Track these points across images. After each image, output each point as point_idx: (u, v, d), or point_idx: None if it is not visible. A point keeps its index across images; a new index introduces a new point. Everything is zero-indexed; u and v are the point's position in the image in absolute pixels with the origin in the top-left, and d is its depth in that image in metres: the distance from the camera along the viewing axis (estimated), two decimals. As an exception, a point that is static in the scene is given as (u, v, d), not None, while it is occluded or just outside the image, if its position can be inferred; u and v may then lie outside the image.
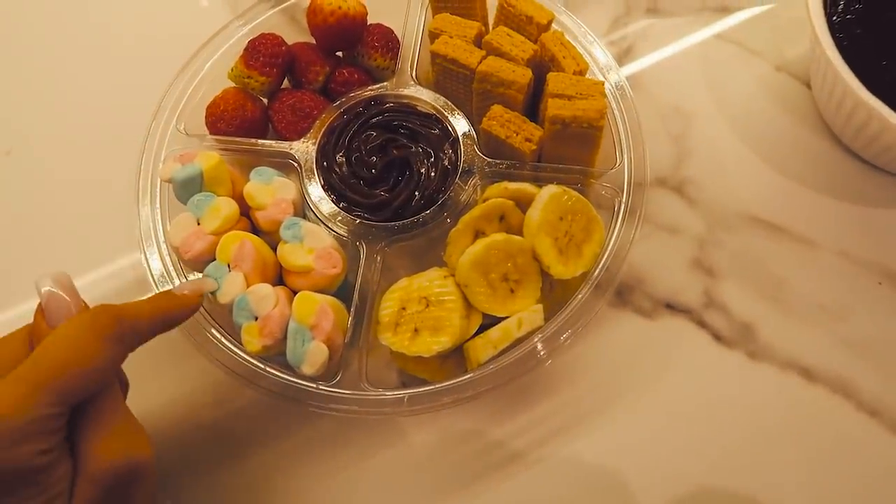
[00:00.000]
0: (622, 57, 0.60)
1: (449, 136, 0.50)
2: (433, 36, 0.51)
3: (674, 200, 0.54)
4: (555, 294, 0.48)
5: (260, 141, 0.51)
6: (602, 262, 0.46)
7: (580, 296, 0.45)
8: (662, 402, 0.48)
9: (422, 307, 0.45)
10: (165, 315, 0.39)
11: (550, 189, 0.46)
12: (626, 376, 0.49)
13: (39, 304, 0.36)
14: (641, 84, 0.59)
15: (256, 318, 0.44)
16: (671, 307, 0.51)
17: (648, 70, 0.59)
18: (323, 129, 0.50)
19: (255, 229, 0.49)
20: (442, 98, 0.51)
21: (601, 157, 0.50)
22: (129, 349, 0.37)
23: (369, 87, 0.52)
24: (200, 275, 0.45)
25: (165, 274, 0.47)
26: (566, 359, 0.49)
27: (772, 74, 0.58)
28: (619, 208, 0.47)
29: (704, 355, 0.49)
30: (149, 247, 0.48)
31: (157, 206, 0.49)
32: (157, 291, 0.46)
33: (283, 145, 0.50)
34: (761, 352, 0.49)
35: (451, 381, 0.43)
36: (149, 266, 0.47)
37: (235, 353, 0.45)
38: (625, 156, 0.49)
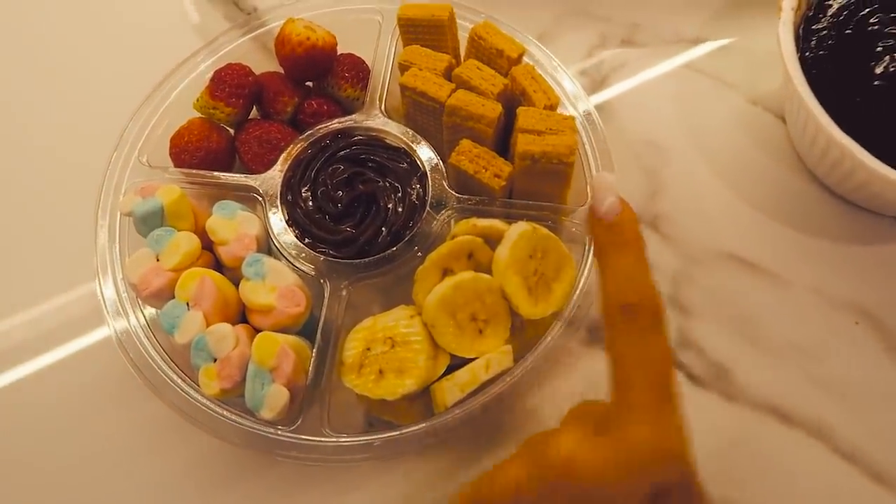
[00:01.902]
0: (597, 88, 0.59)
1: (417, 171, 0.49)
2: (403, 68, 0.51)
3: (647, 236, 0.52)
4: (525, 333, 0.47)
5: (223, 174, 0.49)
6: (574, 299, 0.45)
7: (550, 336, 0.44)
8: None
9: (387, 347, 0.44)
10: (644, 256, 0.32)
11: (520, 227, 0.45)
12: None
13: None
14: (615, 116, 0.58)
15: (215, 360, 0.42)
16: None
17: (622, 101, 0.59)
18: (289, 162, 0.49)
19: (218, 264, 0.48)
20: (410, 131, 0.50)
21: (572, 192, 0.49)
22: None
23: (336, 120, 0.51)
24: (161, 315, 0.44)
25: (119, 306, 0.46)
26: (536, 398, 0.48)
27: (746, 107, 0.58)
28: (591, 245, 0.46)
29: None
30: (105, 279, 0.46)
31: (116, 239, 0.48)
32: None
33: (246, 179, 0.49)
34: (737, 393, 0.48)
35: (417, 427, 0.42)
36: (103, 297, 0.46)
37: (193, 398, 0.43)
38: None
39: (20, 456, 0.48)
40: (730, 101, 0.58)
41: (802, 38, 0.50)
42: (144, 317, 0.46)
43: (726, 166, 0.56)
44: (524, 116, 0.47)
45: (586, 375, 0.48)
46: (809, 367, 0.48)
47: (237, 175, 0.49)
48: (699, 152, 0.56)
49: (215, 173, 0.50)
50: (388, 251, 0.46)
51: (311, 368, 0.44)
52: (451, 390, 0.43)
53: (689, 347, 0.49)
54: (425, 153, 0.49)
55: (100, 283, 0.46)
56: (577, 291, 0.45)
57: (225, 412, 0.43)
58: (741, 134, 0.57)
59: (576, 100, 0.51)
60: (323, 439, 0.41)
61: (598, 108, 0.55)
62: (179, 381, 0.43)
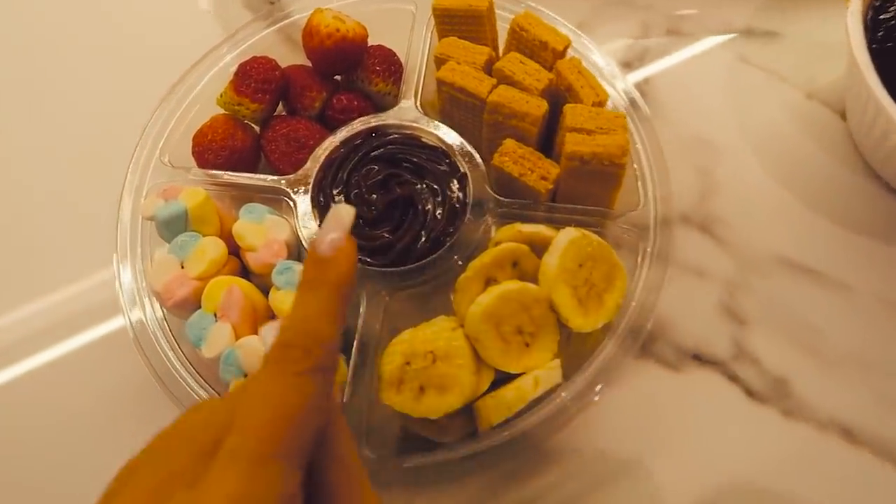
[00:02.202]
0: (640, 82, 0.56)
1: (457, 172, 0.46)
2: (439, 62, 0.48)
3: (699, 240, 0.50)
4: (572, 345, 0.44)
5: (250, 176, 0.46)
6: (627, 313, 0.42)
7: (604, 351, 0.41)
8: (689, 465, 0.44)
9: (428, 362, 0.41)
10: (337, 300, 0.29)
11: (569, 233, 0.42)
12: (649, 435, 0.44)
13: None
14: (661, 111, 0.55)
15: (246, 375, 0.40)
16: (698, 358, 0.46)
17: (668, 95, 0.55)
18: (319, 163, 0.46)
19: (245, 269, 0.45)
20: (451, 131, 0.47)
21: (621, 194, 0.46)
22: (328, 366, 0.28)
23: (370, 117, 0.48)
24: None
25: (144, 319, 0.43)
26: (582, 416, 0.45)
27: (802, 102, 0.54)
28: (645, 253, 0.43)
29: (735, 412, 0.45)
30: (125, 285, 0.44)
31: (139, 243, 0.45)
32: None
33: (275, 180, 0.46)
34: (797, 409, 0.45)
35: (463, 450, 0.39)
36: (127, 315, 0.43)
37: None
38: (649, 194, 0.45)
39: (36, 448, 0.46)
40: (784, 95, 0.55)
41: (871, 28, 0.47)
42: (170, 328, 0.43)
43: (782, 165, 0.52)
44: (572, 114, 0.44)
45: (637, 389, 0.45)
46: (876, 382, 0.45)
47: (265, 176, 0.46)
48: (753, 150, 0.53)
49: (241, 174, 0.47)
50: (428, 258, 0.43)
51: (348, 382, 0.41)
52: (497, 409, 0.40)
53: (746, 360, 0.46)
54: (465, 151, 0.46)
55: (121, 289, 0.44)
56: (633, 303, 0.42)
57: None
58: (797, 130, 0.53)
59: (626, 96, 0.48)
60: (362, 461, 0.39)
61: (645, 103, 0.52)
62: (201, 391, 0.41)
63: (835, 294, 0.48)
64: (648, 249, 0.43)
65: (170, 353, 0.43)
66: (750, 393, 0.45)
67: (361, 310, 0.42)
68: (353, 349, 0.42)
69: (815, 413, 0.45)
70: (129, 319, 0.43)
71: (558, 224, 0.44)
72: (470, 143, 0.47)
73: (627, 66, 0.56)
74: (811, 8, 0.58)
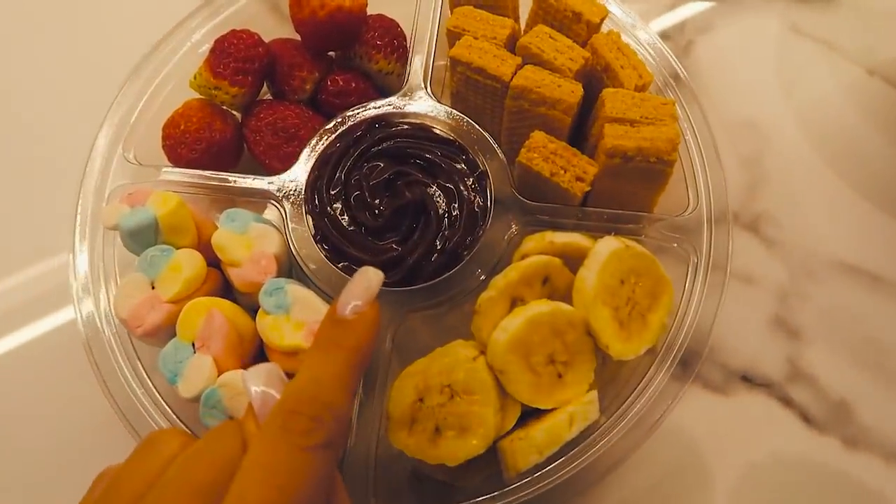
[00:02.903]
0: (680, 56, 0.49)
1: (476, 170, 0.39)
2: (453, 36, 0.41)
3: (747, 241, 0.44)
4: (607, 370, 0.39)
5: (231, 176, 0.40)
6: (681, 333, 0.36)
7: (653, 383, 0.35)
8: (742, 499, 0.39)
9: (444, 398, 0.35)
10: (354, 368, 0.28)
11: (610, 244, 0.36)
12: (694, 469, 0.40)
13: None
14: (703, 91, 0.48)
15: (231, 419, 0.34)
16: (748, 380, 0.41)
17: (711, 73, 0.49)
18: (314, 159, 0.39)
19: (227, 284, 0.39)
20: (466, 119, 0.40)
21: (665, 196, 0.40)
22: (338, 442, 0.27)
23: (372, 102, 0.41)
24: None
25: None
26: (616, 447, 0.39)
27: (863, 80, 0.49)
28: (697, 264, 0.37)
29: (790, 442, 0.40)
30: (83, 307, 0.37)
31: (102, 257, 0.39)
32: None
33: (260, 182, 0.39)
34: (861, 437, 0.40)
35: (485, 501, 0.34)
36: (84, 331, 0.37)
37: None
38: (701, 197, 0.38)
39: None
40: (843, 72, 0.49)
41: None
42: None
43: (839, 153, 0.47)
44: (612, 101, 0.37)
45: (678, 417, 0.40)
46: None
47: (249, 177, 0.40)
48: (807, 136, 0.47)
49: (223, 174, 0.40)
50: (444, 275, 0.37)
51: (352, 424, 0.35)
52: (525, 452, 0.35)
53: (802, 381, 0.41)
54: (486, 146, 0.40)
55: (79, 313, 0.37)
56: (686, 326, 0.36)
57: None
58: (858, 113, 0.48)
59: (671, 78, 0.41)
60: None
61: (684, 80, 0.45)
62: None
63: None
64: (701, 259, 0.37)
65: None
66: (807, 419, 0.41)
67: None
68: (359, 386, 0.35)
69: (881, 442, 0.40)
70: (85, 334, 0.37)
71: (593, 232, 0.38)
72: (488, 132, 0.40)
73: (665, 37, 0.49)
74: (871, -31, 0.51)
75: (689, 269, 0.38)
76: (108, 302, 0.38)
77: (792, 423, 0.40)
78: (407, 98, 0.41)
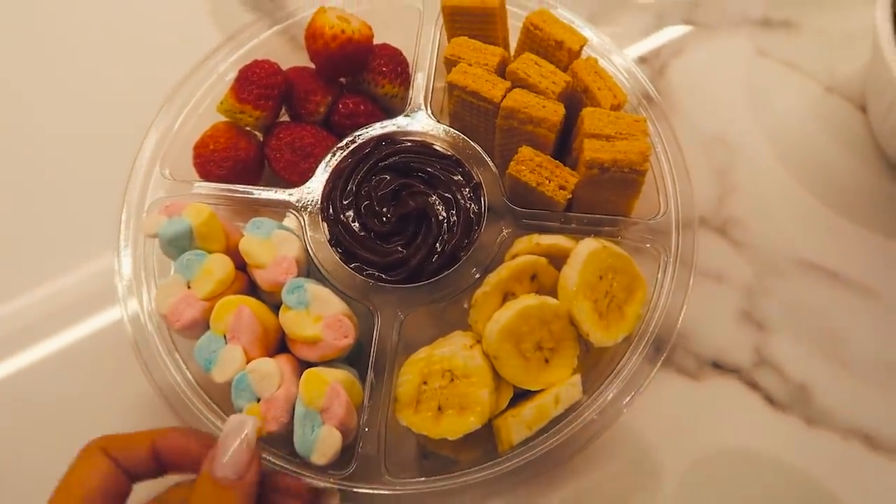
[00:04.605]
0: (656, 76, 0.54)
1: (471, 181, 0.44)
2: (450, 63, 0.46)
3: (717, 243, 0.49)
4: (590, 356, 0.43)
5: (256, 189, 0.45)
6: (653, 322, 0.41)
7: (628, 363, 0.40)
8: (711, 475, 0.43)
9: (446, 381, 0.40)
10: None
11: (589, 245, 0.41)
12: (670, 446, 0.44)
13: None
14: (677, 108, 0.53)
15: (259, 400, 0.39)
16: (718, 366, 0.46)
17: (684, 91, 0.54)
18: (328, 173, 0.44)
19: (253, 285, 0.44)
20: (462, 136, 0.45)
21: (640, 202, 0.45)
22: None
23: (379, 123, 0.46)
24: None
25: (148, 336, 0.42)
26: (597, 423, 0.44)
27: (823, 97, 0.53)
28: (667, 262, 0.42)
29: (756, 421, 0.44)
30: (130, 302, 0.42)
31: (143, 264, 0.44)
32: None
33: (281, 194, 0.44)
34: (819, 416, 0.44)
35: (484, 472, 0.38)
36: (130, 327, 0.42)
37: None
38: (670, 201, 0.43)
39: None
40: (803, 89, 0.53)
41: None
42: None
43: (801, 163, 0.51)
44: (590, 119, 0.42)
45: (656, 400, 0.44)
46: None
47: (271, 190, 0.45)
48: (771, 148, 0.51)
49: (248, 188, 0.45)
50: (443, 274, 0.42)
51: (364, 405, 0.40)
52: (517, 428, 0.39)
53: (767, 367, 0.45)
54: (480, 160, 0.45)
55: (125, 310, 0.42)
56: (656, 313, 0.41)
57: (270, 457, 0.39)
58: (818, 126, 0.52)
59: (639, 93, 0.46)
60: (382, 487, 0.38)
61: (655, 101, 0.50)
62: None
63: (856, 298, 0.47)
64: (671, 257, 0.42)
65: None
66: (771, 401, 0.45)
67: (377, 328, 0.41)
68: (369, 368, 0.40)
69: (838, 420, 0.44)
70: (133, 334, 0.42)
71: (576, 234, 0.43)
72: (482, 148, 0.46)
73: (642, 61, 0.54)
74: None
75: (660, 266, 0.43)
76: (150, 300, 0.42)
77: (758, 404, 0.44)
78: (409, 118, 0.46)
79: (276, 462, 0.39)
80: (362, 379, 0.41)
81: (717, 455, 0.43)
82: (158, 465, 0.35)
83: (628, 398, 0.39)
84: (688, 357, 0.46)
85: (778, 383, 0.45)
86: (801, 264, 0.48)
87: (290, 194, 0.44)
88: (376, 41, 0.49)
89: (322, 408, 0.38)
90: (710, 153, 0.51)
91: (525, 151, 0.43)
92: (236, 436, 0.34)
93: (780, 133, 0.52)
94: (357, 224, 0.43)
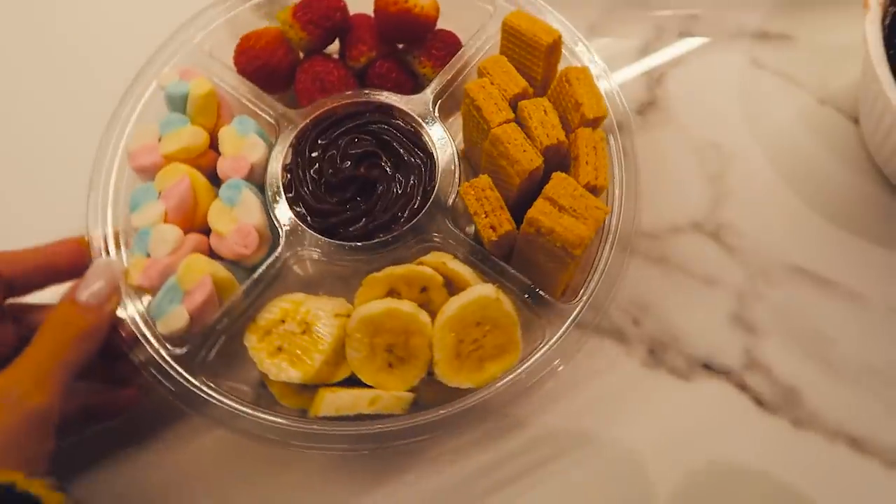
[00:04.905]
0: (653, 86, 0.55)
1: (430, 183, 0.46)
2: (479, 73, 0.47)
3: (710, 248, 0.49)
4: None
5: (255, 98, 0.49)
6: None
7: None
8: (700, 474, 0.44)
9: (298, 330, 0.42)
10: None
11: (484, 289, 0.41)
12: (661, 445, 0.45)
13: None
14: (674, 116, 0.54)
15: (148, 255, 0.43)
16: (709, 367, 0.46)
17: (681, 100, 0.55)
18: (320, 112, 0.47)
19: (212, 252, 0.45)
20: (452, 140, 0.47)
21: (573, 286, 0.44)
22: None
23: (394, 94, 0.48)
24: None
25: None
26: (593, 422, 0.45)
27: (815, 107, 0.53)
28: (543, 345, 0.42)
29: (745, 422, 0.45)
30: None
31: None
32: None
33: (278, 108, 0.48)
34: (807, 419, 0.44)
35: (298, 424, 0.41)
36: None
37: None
38: (587, 293, 0.43)
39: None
40: (797, 100, 0.54)
41: (889, 35, 0.45)
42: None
43: (795, 172, 0.51)
44: (555, 183, 0.42)
45: (648, 399, 0.46)
46: (886, 392, 0.45)
47: (273, 100, 0.48)
48: (765, 156, 0.52)
49: (258, 92, 0.49)
50: (361, 243, 0.44)
51: (227, 308, 0.43)
52: (327, 403, 0.41)
53: (757, 369, 0.46)
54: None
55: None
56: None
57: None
58: (810, 136, 0.52)
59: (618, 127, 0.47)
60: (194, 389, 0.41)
61: (656, 108, 0.54)
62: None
63: (846, 303, 0.47)
64: (545, 344, 0.42)
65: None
66: (760, 402, 0.45)
67: (278, 252, 0.44)
68: (252, 279, 0.43)
69: (825, 423, 0.44)
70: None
71: (487, 277, 0.43)
72: (475, 158, 0.47)
73: (641, 72, 0.56)
74: (824, 10, 0.56)
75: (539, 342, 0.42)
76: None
77: (747, 405, 0.45)
78: (415, 100, 0.48)
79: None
80: (249, 294, 0.44)
81: (705, 454, 0.44)
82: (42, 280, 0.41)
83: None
84: (679, 358, 0.46)
85: (767, 385, 0.45)
86: (791, 269, 0.48)
87: (283, 113, 0.48)
88: (444, 26, 0.50)
89: (187, 289, 0.42)
90: (705, 160, 0.52)
91: (483, 179, 0.43)
92: (103, 272, 0.40)
93: (773, 142, 0.52)
94: (315, 165, 0.46)
